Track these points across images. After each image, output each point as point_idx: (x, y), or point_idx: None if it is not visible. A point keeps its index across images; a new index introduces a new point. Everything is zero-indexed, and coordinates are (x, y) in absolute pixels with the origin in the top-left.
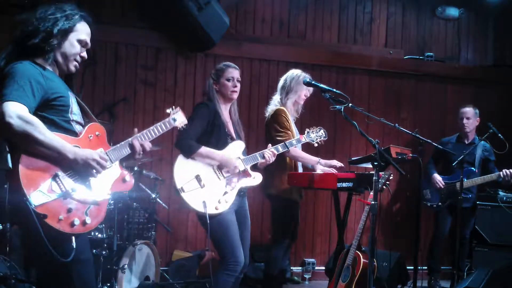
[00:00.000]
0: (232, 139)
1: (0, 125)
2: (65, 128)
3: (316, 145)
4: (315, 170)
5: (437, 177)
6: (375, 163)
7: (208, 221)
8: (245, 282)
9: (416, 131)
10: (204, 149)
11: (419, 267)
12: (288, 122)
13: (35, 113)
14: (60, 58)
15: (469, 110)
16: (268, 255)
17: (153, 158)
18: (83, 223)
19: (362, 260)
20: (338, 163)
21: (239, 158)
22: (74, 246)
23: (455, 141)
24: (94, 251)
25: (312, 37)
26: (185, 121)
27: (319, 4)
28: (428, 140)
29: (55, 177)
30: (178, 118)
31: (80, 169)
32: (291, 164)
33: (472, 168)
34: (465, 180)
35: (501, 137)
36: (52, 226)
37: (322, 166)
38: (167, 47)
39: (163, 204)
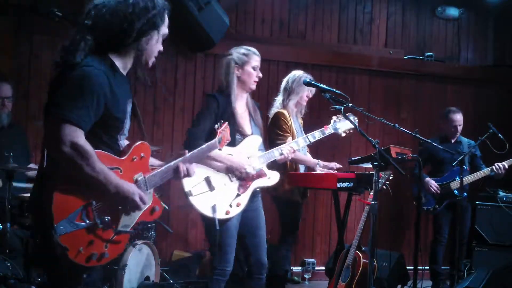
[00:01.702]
0: (244, 135)
1: (50, 144)
2: (110, 145)
3: (343, 135)
4: (314, 170)
5: (432, 182)
6: (375, 163)
7: (218, 227)
8: (244, 282)
9: (416, 131)
10: (213, 152)
11: (419, 267)
12: (287, 125)
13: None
14: (143, 56)
15: (461, 118)
16: (275, 255)
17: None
18: (101, 257)
19: (362, 260)
20: (336, 165)
21: (252, 156)
22: (85, 277)
23: (439, 142)
24: None
25: (312, 37)
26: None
27: (319, 4)
28: (428, 140)
29: (87, 205)
30: (226, 135)
31: (116, 202)
32: (291, 165)
33: (464, 166)
34: (457, 179)
35: (501, 137)
36: (70, 258)
37: (321, 168)
38: (167, 47)
39: (163, 204)
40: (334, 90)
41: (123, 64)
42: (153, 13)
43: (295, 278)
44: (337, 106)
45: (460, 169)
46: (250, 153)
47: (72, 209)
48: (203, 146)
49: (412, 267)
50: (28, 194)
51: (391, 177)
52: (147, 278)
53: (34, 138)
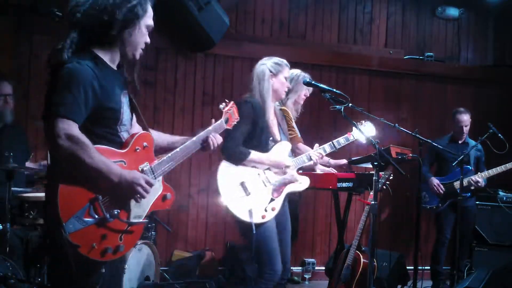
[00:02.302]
0: (275, 141)
1: (49, 141)
2: (111, 140)
3: (365, 141)
4: (314, 170)
5: (435, 181)
6: (375, 163)
7: (254, 231)
8: (245, 282)
9: (416, 131)
10: (254, 155)
11: (419, 267)
12: (292, 121)
13: (83, 124)
14: (129, 48)
15: (467, 119)
16: None
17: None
18: (116, 250)
19: (362, 260)
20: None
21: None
22: (103, 271)
23: (447, 142)
24: None
25: (312, 37)
26: (237, 119)
27: (319, 4)
28: (428, 140)
29: (94, 200)
30: (233, 114)
31: (123, 192)
32: None
33: (468, 166)
34: (472, 176)
35: (501, 137)
36: (83, 255)
37: (332, 165)
38: (167, 47)
39: None
40: (334, 90)
41: (110, 57)
42: (133, 3)
43: (295, 278)
44: (337, 106)
45: (461, 169)
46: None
47: (79, 207)
48: (209, 127)
49: (412, 267)
50: (28, 195)
51: (391, 177)
52: (147, 278)
53: (34, 138)
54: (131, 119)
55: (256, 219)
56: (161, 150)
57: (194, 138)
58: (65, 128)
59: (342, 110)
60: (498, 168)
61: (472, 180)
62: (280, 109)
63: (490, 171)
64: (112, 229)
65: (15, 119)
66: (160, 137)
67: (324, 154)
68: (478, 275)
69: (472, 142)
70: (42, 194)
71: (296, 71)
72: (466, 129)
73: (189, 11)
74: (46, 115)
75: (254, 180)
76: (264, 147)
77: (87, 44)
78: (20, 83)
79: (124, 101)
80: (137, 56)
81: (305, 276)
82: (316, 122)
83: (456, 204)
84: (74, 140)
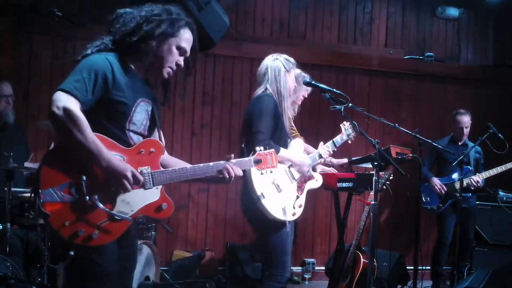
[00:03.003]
0: (290, 138)
1: (49, 110)
2: (118, 136)
3: (350, 142)
4: (315, 170)
5: (437, 181)
6: (375, 163)
7: (288, 230)
8: (245, 282)
9: (416, 131)
10: (283, 151)
11: (419, 267)
12: (291, 121)
13: (91, 113)
14: (154, 62)
15: (468, 120)
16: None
17: None
18: (89, 237)
19: (362, 260)
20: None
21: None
22: (72, 254)
23: (447, 143)
24: None
25: (312, 37)
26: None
27: (319, 4)
28: (428, 140)
29: (77, 179)
30: (269, 161)
31: (108, 179)
32: None
33: (469, 167)
34: (472, 176)
35: (501, 137)
36: (53, 228)
37: (334, 164)
38: None
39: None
40: (334, 90)
41: (138, 68)
42: (164, 18)
43: (295, 278)
44: (337, 106)
45: (460, 169)
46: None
47: (61, 181)
48: (234, 160)
49: (412, 267)
50: (28, 195)
51: (391, 177)
52: (147, 278)
53: (34, 138)
54: (147, 126)
55: (289, 217)
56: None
57: (211, 163)
58: (64, 101)
59: (342, 110)
60: (498, 168)
61: (472, 180)
62: None
63: (490, 171)
64: (89, 215)
65: (16, 119)
66: (176, 161)
67: (331, 150)
68: (478, 275)
69: (471, 144)
70: None
71: (296, 71)
72: (466, 131)
73: (189, 11)
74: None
75: (283, 177)
76: (284, 144)
77: (118, 51)
78: (20, 83)
79: (143, 106)
80: (164, 74)
81: (305, 276)
82: (316, 122)
83: (457, 205)
84: (70, 115)
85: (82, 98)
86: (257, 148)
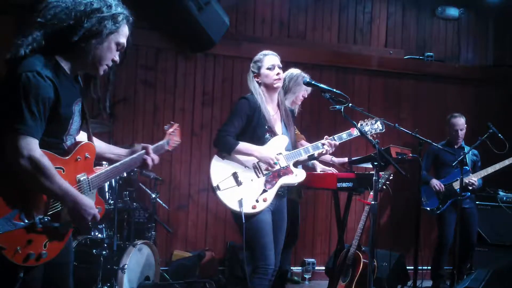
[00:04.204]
0: (273, 134)
1: (9, 157)
2: (55, 148)
3: (375, 135)
4: (315, 170)
5: (436, 181)
6: (375, 163)
7: (244, 221)
8: (245, 282)
9: (416, 131)
10: (242, 145)
11: (419, 267)
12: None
13: None
14: (92, 60)
15: (462, 123)
16: None
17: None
18: (39, 256)
19: (362, 260)
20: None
21: (281, 154)
22: (21, 276)
23: (444, 146)
24: (94, 251)
25: (312, 37)
26: (179, 141)
27: (319, 4)
28: (428, 140)
29: (26, 205)
30: (175, 137)
31: (70, 213)
32: None
33: (466, 167)
34: (469, 176)
35: (501, 137)
36: (6, 257)
37: (336, 163)
38: (167, 47)
39: (163, 204)
40: (334, 90)
41: (70, 66)
42: (105, 15)
43: (295, 278)
44: (337, 106)
45: (460, 169)
46: (277, 151)
47: (11, 209)
48: (151, 146)
49: (412, 267)
50: None
51: (391, 177)
52: (147, 278)
53: None
54: (79, 127)
55: (246, 209)
56: (102, 159)
57: (135, 155)
58: (27, 148)
59: (342, 110)
60: (494, 165)
61: (470, 180)
62: None
63: (487, 169)
64: (38, 235)
65: None
66: (103, 146)
67: (337, 143)
68: (478, 275)
69: (467, 148)
70: None
71: (295, 72)
72: (461, 133)
73: (189, 11)
74: (5, 127)
75: (246, 170)
76: (258, 141)
77: (49, 48)
78: None
79: (76, 110)
80: (100, 72)
81: (305, 276)
82: (316, 122)
83: (457, 205)
84: (36, 163)
85: (39, 136)
86: (165, 127)
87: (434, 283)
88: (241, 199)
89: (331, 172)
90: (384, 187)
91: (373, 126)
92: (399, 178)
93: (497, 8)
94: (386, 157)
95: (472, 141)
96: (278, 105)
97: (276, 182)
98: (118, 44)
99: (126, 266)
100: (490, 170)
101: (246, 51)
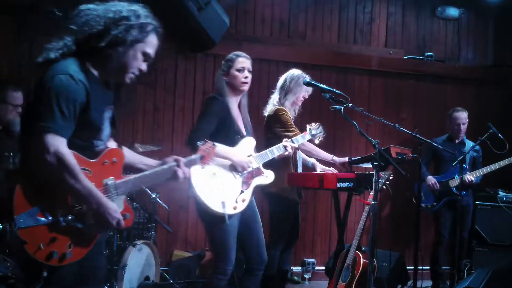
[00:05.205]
0: (242, 136)
1: (36, 155)
2: (84, 150)
3: (317, 141)
4: (315, 170)
5: (432, 179)
6: (375, 163)
7: (228, 222)
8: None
9: (416, 131)
10: (220, 148)
11: (419, 267)
12: (290, 121)
13: None
14: (117, 67)
15: (465, 116)
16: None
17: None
18: (62, 256)
19: (362, 260)
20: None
21: (251, 155)
22: (45, 275)
23: (444, 140)
24: None
25: (312, 37)
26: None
27: (319, 4)
28: (428, 140)
29: (51, 202)
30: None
31: (94, 217)
32: (294, 163)
33: (464, 165)
34: (456, 177)
35: (501, 137)
36: (29, 253)
37: (337, 162)
38: (167, 47)
39: (163, 204)
40: (334, 90)
41: (98, 72)
42: (133, 23)
43: (295, 278)
44: (337, 106)
45: (460, 168)
46: (248, 153)
47: (35, 204)
48: (184, 159)
49: (412, 267)
50: None
51: (391, 177)
52: (147, 278)
53: None
54: (110, 134)
55: (229, 210)
56: (133, 169)
57: (165, 166)
58: (54, 145)
59: (342, 110)
60: (492, 165)
61: (466, 178)
62: (277, 109)
63: (484, 169)
64: (62, 234)
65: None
66: (133, 156)
67: (295, 145)
68: (478, 275)
69: (469, 142)
70: None
71: (296, 72)
72: (463, 127)
73: (189, 11)
74: (35, 127)
75: (224, 172)
76: (231, 142)
77: (79, 54)
78: (20, 83)
79: (107, 117)
80: (127, 79)
81: (305, 276)
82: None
83: (452, 203)
84: (62, 161)
85: (67, 136)
86: (198, 143)
87: (434, 283)
88: (224, 200)
89: (331, 172)
90: (384, 187)
91: (317, 130)
92: (399, 178)
93: (497, 8)
94: (386, 157)
95: (472, 139)
96: (240, 109)
97: (251, 183)
98: (144, 53)
99: (126, 266)
100: (488, 169)
101: (246, 51)
